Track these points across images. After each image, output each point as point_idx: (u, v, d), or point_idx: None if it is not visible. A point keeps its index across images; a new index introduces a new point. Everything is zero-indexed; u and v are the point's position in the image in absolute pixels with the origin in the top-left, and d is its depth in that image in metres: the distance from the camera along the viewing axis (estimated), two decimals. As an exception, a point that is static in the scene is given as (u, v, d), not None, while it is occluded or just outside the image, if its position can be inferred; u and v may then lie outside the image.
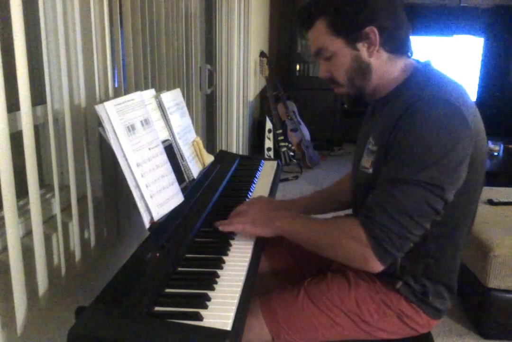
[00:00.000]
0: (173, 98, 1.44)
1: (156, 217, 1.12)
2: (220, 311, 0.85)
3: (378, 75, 1.13)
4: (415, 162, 0.99)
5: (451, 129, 0.99)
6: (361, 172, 1.17)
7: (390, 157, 1.04)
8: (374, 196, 1.05)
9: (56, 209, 1.05)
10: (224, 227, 1.16)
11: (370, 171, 1.13)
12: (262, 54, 4.43)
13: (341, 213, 1.52)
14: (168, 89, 1.57)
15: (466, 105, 1.03)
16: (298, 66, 5.49)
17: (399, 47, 1.13)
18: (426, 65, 1.15)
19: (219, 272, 0.99)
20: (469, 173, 1.04)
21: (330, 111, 5.43)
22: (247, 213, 1.18)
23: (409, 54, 1.16)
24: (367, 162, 1.15)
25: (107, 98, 1.26)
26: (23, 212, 1.02)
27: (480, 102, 5.27)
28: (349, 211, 1.43)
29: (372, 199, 1.05)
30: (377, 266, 1.02)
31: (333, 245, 1.07)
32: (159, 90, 1.56)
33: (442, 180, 0.98)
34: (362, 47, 1.10)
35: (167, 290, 0.91)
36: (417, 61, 1.17)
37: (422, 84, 1.08)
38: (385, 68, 1.13)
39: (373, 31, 1.07)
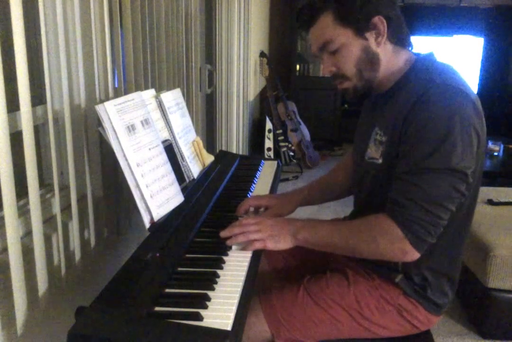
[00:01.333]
0: (173, 98, 1.44)
1: (156, 217, 1.12)
2: (220, 311, 0.85)
3: (384, 67, 1.14)
4: (436, 151, 1.00)
5: (464, 116, 1.01)
6: (368, 163, 1.17)
7: (408, 148, 1.05)
8: (398, 189, 1.05)
9: (56, 209, 1.05)
10: (248, 247, 1.09)
11: (380, 161, 1.14)
12: (262, 54, 4.43)
13: (338, 206, 1.52)
14: (168, 89, 1.57)
15: (472, 92, 1.06)
16: (298, 66, 5.49)
17: (402, 39, 1.15)
18: (429, 55, 1.17)
19: (219, 272, 0.99)
20: None
21: (330, 111, 5.43)
22: (262, 227, 1.12)
23: (410, 48, 1.18)
24: (375, 153, 1.15)
25: (107, 98, 1.26)
26: (23, 212, 1.02)
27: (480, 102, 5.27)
28: (343, 206, 1.43)
29: (397, 192, 1.05)
30: (416, 255, 1.05)
31: (368, 245, 1.07)
32: (159, 90, 1.56)
33: (463, 164, 1.01)
34: (370, 37, 1.11)
35: (167, 290, 0.91)
36: (419, 54, 1.19)
37: (428, 73, 1.09)
38: (390, 59, 1.14)
39: (381, 21, 1.08)
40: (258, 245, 1.09)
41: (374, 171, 1.16)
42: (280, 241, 1.11)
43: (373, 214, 1.09)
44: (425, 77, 1.08)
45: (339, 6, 1.09)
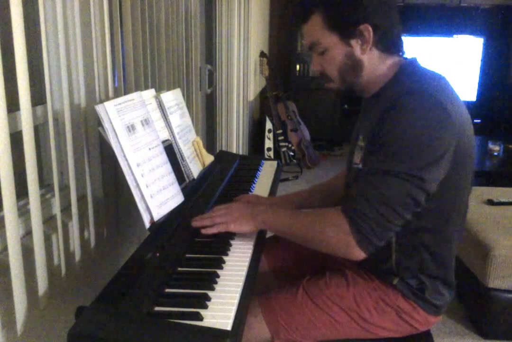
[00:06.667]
0: (173, 98, 1.44)
1: (156, 217, 1.12)
2: (220, 311, 0.85)
3: (368, 73, 1.15)
4: (397, 154, 1.01)
5: (432, 123, 1.01)
6: (353, 169, 1.19)
7: (374, 149, 1.06)
8: (356, 186, 1.07)
9: (56, 209, 1.05)
10: (207, 230, 1.14)
11: (360, 166, 1.15)
12: (262, 54, 4.43)
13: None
14: (168, 89, 1.57)
15: (448, 98, 1.05)
16: (298, 66, 5.49)
17: (390, 47, 1.15)
18: (412, 61, 1.17)
19: (219, 272, 0.99)
20: (455, 164, 1.05)
21: (330, 111, 5.43)
22: (228, 211, 1.17)
23: (400, 53, 1.18)
24: (357, 158, 1.17)
25: (107, 98, 1.26)
26: (23, 212, 1.02)
27: (480, 102, 5.27)
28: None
29: (354, 188, 1.07)
30: (359, 254, 1.04)
31: (317, 234, 1.09)
32: (159, 90, 1.56)
33: (422, 171, 1.01)
34: (355, 44, 1.11)
35: (167, 290, 0.91)
36: (405, 59, 1.19)
37: (406, 80, 1.10)
38: (375, 66, 1.15)
39: (367, 29, 1.09)
40: (220, 227, 1.13)
41: (356, 176, 1.17)
42: (242, 223, 1.14)
43: None
44: (401, 84, 1.09)
45: (328, 10, 1.10)
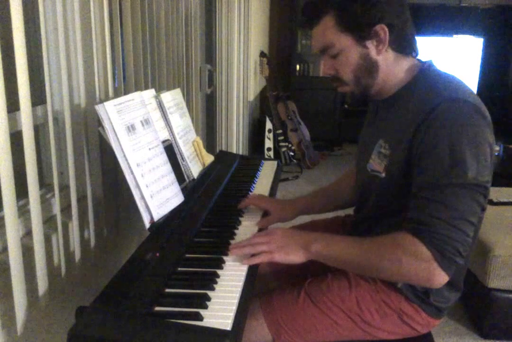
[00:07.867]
0: (173, 98, 1.44)
1: (156, 217, 1.12)
2: (220, 311, 0.85)
3: (384, 75, 1.13)
4: (453, 166, 0.98)
5: (479, 130, 1.00)
6: (371, 175, 1.16)
7: (424, 165, 1.02)
8: (420, 207, 1.00)
9: (56, 209, 1.05)
10: (249, 260, 1.04)
11: (383, 175, 1.13)
12: (262, 54, 4.43)
13: (340, 213, 1.52)
14: (168, 89, 1.57)
15: (481, 103, 1.05)
16: (298, 66, 5.50)
17: (405, 47, 1.13)
18: (430, 65, 1.15)
19: (219, 272, 0.99)
20: None
21: (330, 111, 5.43)
22: (272, 239, 1.07)
23: (414, 54, 1.16)
24: (378, 166, 1.14)
25: (107, 98, 1.26)
26: (23, 212, 1.02)
27: (480, 102, 5.27)
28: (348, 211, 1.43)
29: (418, 210, 1.00)
30: (443, 279, 0.98)
31: (391, 265, 1.00)
32: (159, 90, 1.56)
33: (482, 178, 0.99)
34: (371, 45, 1.09)
35: (167, 290, 0.91)
36: (420, 61, 1.17)
37: (434, 86, 1.07)
38: (391, 67, 1.13)
39: (383, 29, 1.07)
40: (264, 257, 1.04)
41: (378, 184, 1.15)
42: (290, 253, 1.05)
43: (382, 225, 1.04)
44: (430, 90, 1.06)
45: (341, 11, 1.07)
